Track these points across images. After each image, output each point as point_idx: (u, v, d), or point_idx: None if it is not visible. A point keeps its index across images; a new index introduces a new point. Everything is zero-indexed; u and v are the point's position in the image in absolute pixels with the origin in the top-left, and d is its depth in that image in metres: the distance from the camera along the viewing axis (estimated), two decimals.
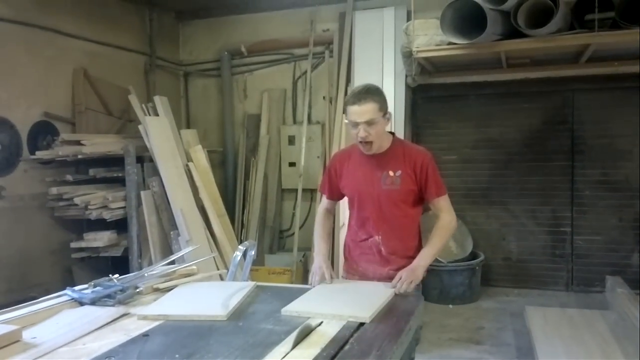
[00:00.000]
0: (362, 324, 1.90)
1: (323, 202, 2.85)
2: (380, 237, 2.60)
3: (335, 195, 2.79)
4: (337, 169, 2.71)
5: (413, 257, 2.50)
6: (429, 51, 4.76)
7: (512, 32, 4.45)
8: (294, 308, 2.04)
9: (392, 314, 2.08)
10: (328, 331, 1.84)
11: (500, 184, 6.17)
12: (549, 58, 5.38)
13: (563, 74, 5.68)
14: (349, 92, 2.61)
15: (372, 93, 2.46)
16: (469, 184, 6.25)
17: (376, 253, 2.62)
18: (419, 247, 2.63)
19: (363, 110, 2.41)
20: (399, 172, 2.53)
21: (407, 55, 4.88)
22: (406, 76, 5.21)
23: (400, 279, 2.34)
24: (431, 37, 4.72)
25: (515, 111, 6.09)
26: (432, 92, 6.12)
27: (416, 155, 2.57)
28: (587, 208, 5.93)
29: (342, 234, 3.60)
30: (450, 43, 4.62)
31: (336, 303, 2.14)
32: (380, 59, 5.31)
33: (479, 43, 4.46)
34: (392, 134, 2.65)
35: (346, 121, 2.55)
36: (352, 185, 2.65)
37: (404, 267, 2.43)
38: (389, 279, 2.44)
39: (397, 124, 5.18)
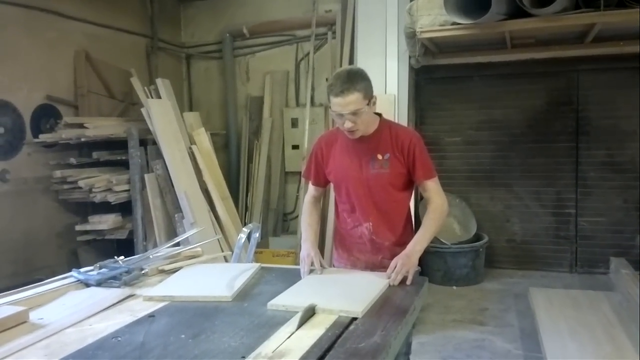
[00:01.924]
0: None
1: (310, 190, 2.69)
2: (371, 224, 2.49)
3: (322, 181, 2.64)
4: (323, 153, 2.57)
5: (405, 244, 2.37)
6: (432, 32, 4.71)
7: (517, 12, 4.39)
8: (281, 302, 1.93)
9: (397, 294, 2.07)
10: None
11: (504, 165, 6.15)
12: (554, 38, 5.32)
13: (568, 54, 5.60)
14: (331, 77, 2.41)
15: (355, 81, 2.25)
16: (473, 165, 6.24)
17: (367, 242, 2.51)
18: (410, 233, 2.54)
19: (347, 102, 2.24)
20: (387, 155, 2.42)
21: (411, 35, 4.83)
22: (409, 57, 5.15)
23: (394, 268, 2.22)
24: (435, 17, 4.67)
25: (520, 92, 6.05)
26: (435, 74, 6.06)
27: (404, 136, 2.44)
28: (592, 189, 5.91)
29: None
30: (454, 23, 4.57)
31: (326, 296, 1.98)
32: (384, 39, 5.24)
33: (483, 23, 4.42)
34: (379, 114, 2.50)
35: (331, 111, 2.37)
36: (339, 170, 2.51)
37: (396, 255, 2.29)
38: (382, 268, 2.35)
39: (401, 106, 5.15)
